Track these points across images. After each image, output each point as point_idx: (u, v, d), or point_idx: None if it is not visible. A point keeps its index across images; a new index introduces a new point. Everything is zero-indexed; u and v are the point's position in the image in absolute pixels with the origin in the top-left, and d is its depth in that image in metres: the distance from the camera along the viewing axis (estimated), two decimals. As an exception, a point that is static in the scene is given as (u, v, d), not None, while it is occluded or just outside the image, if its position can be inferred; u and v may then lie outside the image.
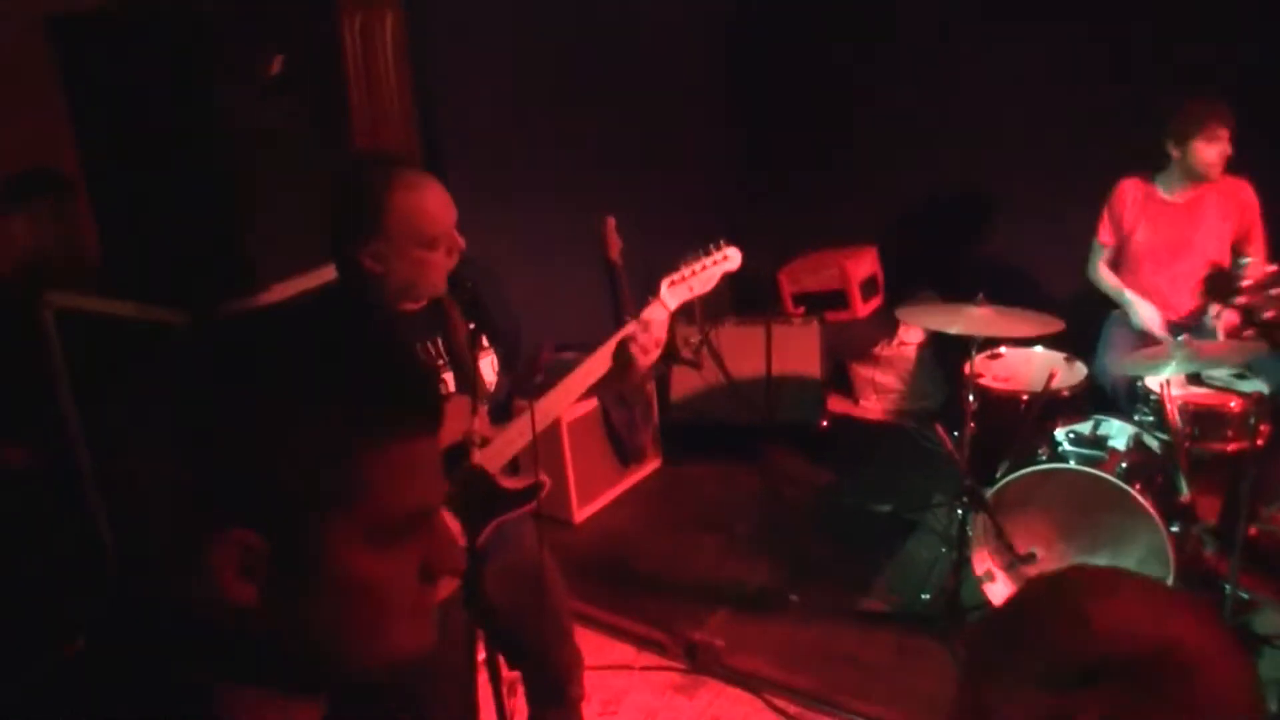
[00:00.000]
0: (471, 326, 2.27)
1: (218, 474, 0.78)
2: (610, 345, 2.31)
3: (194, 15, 2.48)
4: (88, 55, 2.61)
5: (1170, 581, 3.05)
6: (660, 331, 2.32)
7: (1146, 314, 3.95)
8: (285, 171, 2.66)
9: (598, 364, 2.32)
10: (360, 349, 0.85)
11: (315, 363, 0.82)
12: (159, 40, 2.50)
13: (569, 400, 2.33)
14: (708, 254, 2.47)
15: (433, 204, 2.12)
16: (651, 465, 4.76)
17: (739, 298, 5.10)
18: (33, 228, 2.89)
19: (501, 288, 2.41)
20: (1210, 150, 3.77)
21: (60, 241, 2.92)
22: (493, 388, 2.33)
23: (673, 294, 2.42)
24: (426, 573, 0.88)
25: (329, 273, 2.53)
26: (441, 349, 2.24)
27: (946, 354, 4.93)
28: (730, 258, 2.48)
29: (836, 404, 5.19)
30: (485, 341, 2.35)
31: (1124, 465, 3.20)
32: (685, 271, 2.44)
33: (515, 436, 2.26)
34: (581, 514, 4.34)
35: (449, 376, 2.25)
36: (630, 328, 2.32)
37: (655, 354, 2.31)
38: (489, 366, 2.32)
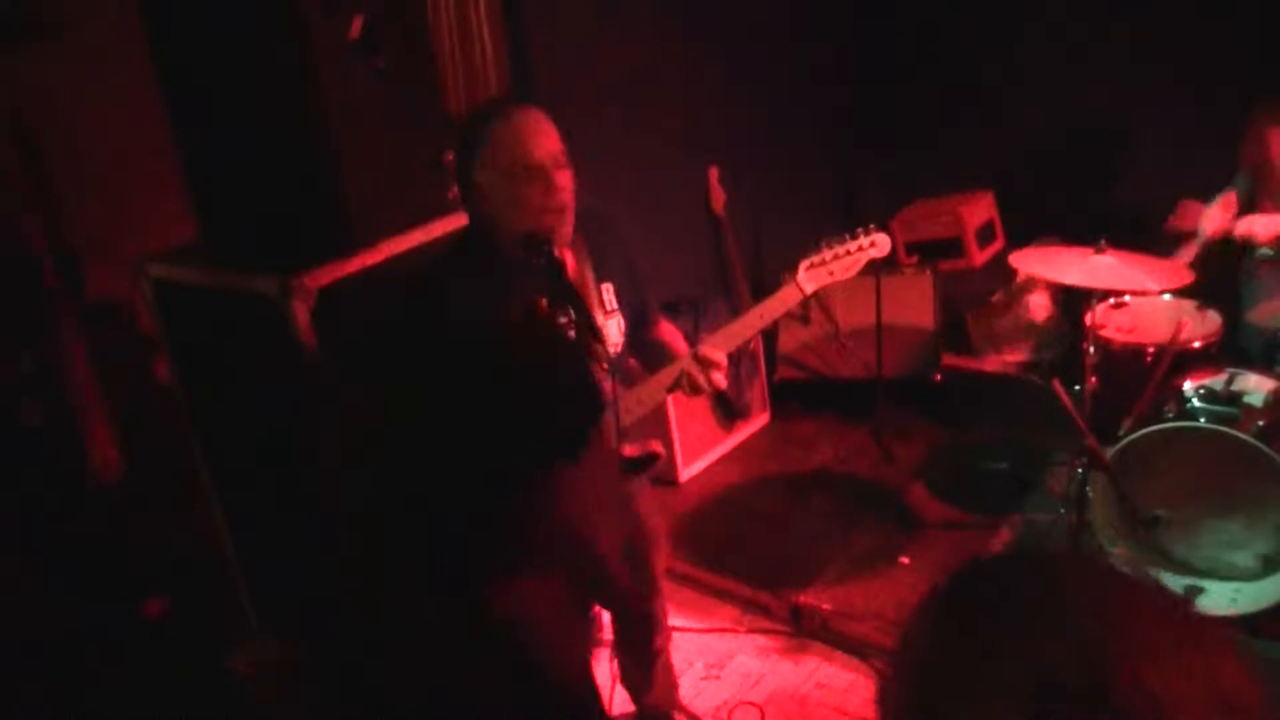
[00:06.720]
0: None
1: None
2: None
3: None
4: (173, 22, 2.61)
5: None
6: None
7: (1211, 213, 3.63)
8: (376, 131, 2.62)
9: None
10: None
11: None
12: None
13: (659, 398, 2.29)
14: (854, 238, 2.32)
15: (525, 132, 2.07)
16: (760, 422, 4.66)
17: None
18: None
19: (617, 239, 2.40)
20: None
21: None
22: (617, 350, 2.28)
23: (810, 277, 2.28)
24: None
25: (437, 228, 2.61)
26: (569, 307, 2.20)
27: (1069, 302, 4.69)
28: (879, 244, 2.33)
29: (951, 357, 5.00)
30: (614, 302, 2.29)
31: (1261, 423, 2.98)
32: (826, 254, 2.30)
33: (633, 405, 2.24)
34: (686, 472, 4.29)
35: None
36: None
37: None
38: (615, 328, 2.25)
